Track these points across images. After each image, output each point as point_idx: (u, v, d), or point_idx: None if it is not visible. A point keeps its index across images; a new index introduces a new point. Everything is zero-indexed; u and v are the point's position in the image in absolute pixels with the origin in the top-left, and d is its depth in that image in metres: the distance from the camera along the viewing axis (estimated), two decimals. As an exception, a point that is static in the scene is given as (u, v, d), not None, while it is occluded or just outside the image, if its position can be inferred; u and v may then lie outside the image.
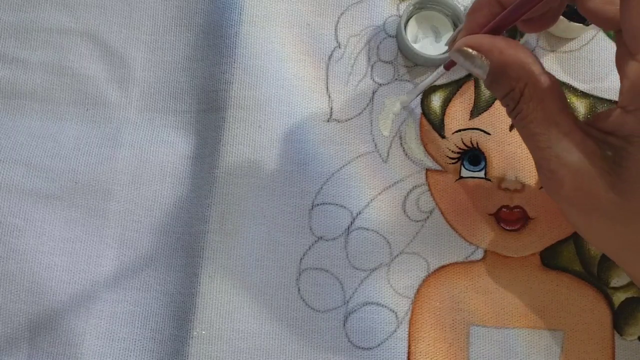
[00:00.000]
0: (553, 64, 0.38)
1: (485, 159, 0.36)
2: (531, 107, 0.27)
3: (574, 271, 0.35)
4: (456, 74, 0.37)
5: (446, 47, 0.37)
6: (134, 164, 0.37)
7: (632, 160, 0.25)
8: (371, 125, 0.37)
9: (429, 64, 0.37)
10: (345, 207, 0.36)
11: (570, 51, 0.38)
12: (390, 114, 0.37)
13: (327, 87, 0.38)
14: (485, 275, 0.35)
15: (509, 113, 0.28)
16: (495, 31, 0.28)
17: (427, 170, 0.36)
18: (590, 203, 0.27)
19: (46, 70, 0.38)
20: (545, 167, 0.27)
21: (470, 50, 0.28)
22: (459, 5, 0.37)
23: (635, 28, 0.25)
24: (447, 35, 0.37)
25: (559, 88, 0.27)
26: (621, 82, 0.26)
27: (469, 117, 0.37)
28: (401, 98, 0.37)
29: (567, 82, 0.37)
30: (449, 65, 0.32)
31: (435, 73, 0.33)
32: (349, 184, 0.36)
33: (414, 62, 0.38)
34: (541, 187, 0.36)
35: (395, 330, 0.34)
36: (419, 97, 0.37)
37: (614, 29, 0.28)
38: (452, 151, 0.36)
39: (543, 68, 0.27)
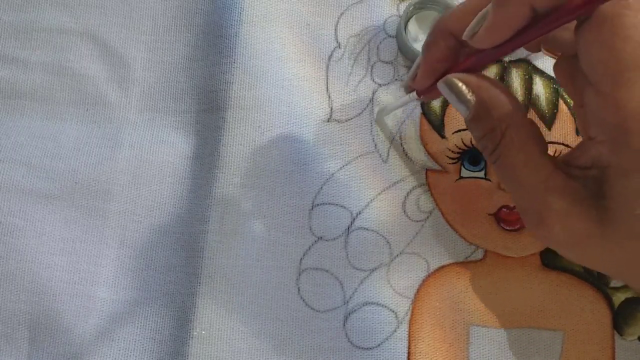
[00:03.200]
0: (549, 68, 0.38)
1: (485, 159, 0.36)
2: (513, 151, 0.27)
3: (574, 271, 0.35)
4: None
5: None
6: (134, 164, 0.37)
7: (613, 190, 0.25)
8: (371, 125, 0.37)
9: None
10: (345, 207, 0.36)
11: None
12: (390, 114, 0.37)
13: (327, 87, 0.38)
14: (485, 275, 0.35)
15: (487, 156, 0.28)
16: (470, 70, 0.28)
17: (427, 170, 0.36)
18: (580, 240, 0.27)
19: (46, 70, 0.38)
20: (530, 214, 0.28)
21: (460, 84, 0.28)
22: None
23: (592, 58, 0.24)
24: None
25: (540, 132, 0.28)
26: (583, 111, 0.26)
27: (469, 117, 0.37)
28: (378, 114, 0.37)
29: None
30: (422, 92, 0.32)
31: (406, 97, 0.33)
32: (349, 184, 0.36)
33: (413, 62, 0.38)
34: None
35: (395, 330, 0.34)
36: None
37: (571, 54, 0.28)
38: (452, 151, 0.36)
39: (525, 113, 0.27)
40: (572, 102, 0.37)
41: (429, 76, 0.30)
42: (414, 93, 0.32)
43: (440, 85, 0.29)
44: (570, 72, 0.29)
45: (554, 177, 0.27)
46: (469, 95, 0.28)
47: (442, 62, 0.29)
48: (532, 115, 0.37)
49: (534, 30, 0.25)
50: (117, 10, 0.39)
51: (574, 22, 0.25)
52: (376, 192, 0.36)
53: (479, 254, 0.35)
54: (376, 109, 0.37)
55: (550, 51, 0.31)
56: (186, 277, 0.35)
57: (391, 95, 0.37)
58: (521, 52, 0.38)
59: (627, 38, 0.23)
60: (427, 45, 0.30)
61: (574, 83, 0.29)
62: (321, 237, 0.35)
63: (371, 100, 0.37)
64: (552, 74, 0.37)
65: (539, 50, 0.32)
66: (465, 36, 0.27)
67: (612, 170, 0.25)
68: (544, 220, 0.27)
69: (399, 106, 0.35)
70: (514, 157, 0.27)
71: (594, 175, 0.26)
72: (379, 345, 0.34)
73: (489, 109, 0.27)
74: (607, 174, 0.25)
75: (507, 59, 0.38)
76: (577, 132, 0.37)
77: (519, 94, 0.37)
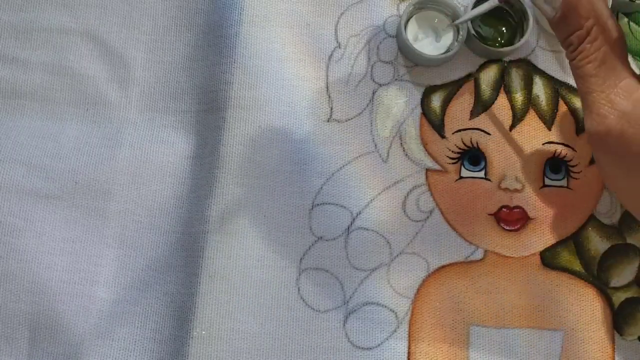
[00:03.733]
0: (553, 64, 0.38)
1: (485, 159, 0.36)
2: (594, 47, 0.27)
3: (574, 271, 0.35)
4: (456, 73, 0.37)
5: (446, 47, 0.37)
6: (134, 164, 0.37)
7: None
8: (371, 125, 0.37)
9: (429, 63, 0.37)
10: (345, 207, 0.36)
11: None
12: (390, 114, 0.37)
13: (327, 87, 0.38)
14: (485, 275, 0.35)
15: (570, 52, 0.29)
16: None
17: (427, 170, 0.36)
18: (633, 152, 0.27)
19: (46, 70, 0.38)
20: (595, 111, 0.28)
21: None
22: (459, 5, 0.37)
23: None
24: (448, 35, 0.37)
25: (623, 34, 0.28)
26: None
27: (469, 117, 0.37)
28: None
29: (567, 82, 0.37)
30: None
31: (487, 3, 0.33)
32: (349, 184, 0.36)
33: (414, 62, 0.38)
34: (544, 187, 0.36)
35: (395, 330, 0.34)
36: (419, 95, 0.37)
37: None
38: (452, 151, 0.36)
39: (612, 13, 0.28)
40: (572, 103, 0.37)
41: None
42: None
43: None
44: None
45: (626, 82, 0.27)
46: None
47: None
48: (532, 115, 0.37)
49: None
50: (117, 10, 0.39)
51: None
52: (376, 192, 0.36)
53: (479, 254, 0.35)
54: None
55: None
56: (186, 277, 0.35)
57: (391, 95, 0.37)
58: (521, 52, 0.38)
59: None
60: None
61: None
62: (321, 237, 0.35)
63: (371, 100, 0.37)
64: (552, 74, 0.38)
65: None
66: None
67: None
68: (605, 119, 0.27)
69: (482, 12, 0.35)
70: (594, 54, 0.27)
71: None
72: (379, 345, 0.34)
73: (576, 7, 0.27)
74: None
75: (507, 59, 0.38)
76: (578, 132, 0.37)
77: (518, 94, 0.37)
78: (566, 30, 0.28)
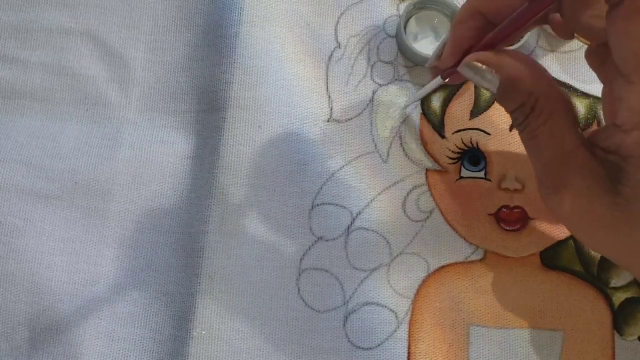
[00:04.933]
0: (553, 64, 0.38)
1: (485, 159, 0.36)
2: (539, 121, 0.27)
3: (574, 271, 0.35)
4: (456, 74, 0.38)
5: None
6: (134, 164, 0.37)
7: (632, 179, 0.25)
8: (371, 125, 0.37)
9: (429, 64, 0.38)
10: (345, 207, 0.36)
11: (571, 51, 0.38)
12: (389, 117, 0.37)
13: (327, 87, 0.38)
14: (485, 275, 0.35)
15: (517, 126, 0.28)
16: (490, 46, 0.28)
17: (427, 170, 0.36)
18: (591, 220, 0.27)
19: (46, 70, 0.38)
20: (546, 184, 0.28)
21: (480, 65, 0.27)
22: (459, 6, 0.37)
23: (623, 48, 0.24)
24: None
25: (569, 104, 0.27)
26: (612, 97, 0.26)
27: (469, 117, 0.37)
28: (396, 105, 0.37)
29: (567, 82, 0.37)
30: (447, 74, 0.32)
31: (432, 82, 0.33)
32: (349, 184, 0.36)
33: (414, 62, 0.38)
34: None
35: (395, 331, 0.34)
36: (417, 101, 0.37)
37: (602, 42, 0.28)
38: (452, 151, 0.36)
39: (554, 82, 0.27)
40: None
41: (456, 54, 0.30)
42: (439, 78, 0.32)
43: (462, 68, 0.28)
44: (602, 59, 0.29)
45: (576, 153, 0.27)
46: (492, 75, 0.27)
47: (469, 41, 0.29)
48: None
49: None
50: (117, 10, 0.39)
51: (604, 11, 0.25)
52: (376, 192, 0.36)
53: (479, 254, 0.35)
54: (384, 102, 0.37)
55: (583, 38, 0.30)
56: (186, 277, 0.35)
57: (391, 95, 0.37)
58: (524, 51, 0.38)
59: None
60: (455, 24, 0.29)
61: (605, 70, 0.28)
62: (321, 237, 0.35)
63: (371, 100, 0.37)
64: (552, 74, 0.37)
65: (572, 37, 0.31)
66: None
67: (634, 160, 0.25)
68: (557, 193, 0.27)
69: (426, 93, 0.35)
70: (540, 128, 0.27)
71: (614, 161, 0.26)
72: (379, 345, 0.34)
73: (514, 85, 0.27)
74: (628, 163, 0.25)
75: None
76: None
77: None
78: (510, 106, 0.28)
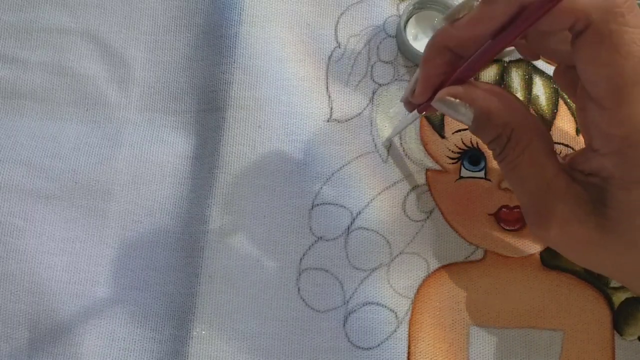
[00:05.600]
0: (553, 64, 0.38)
1: (485, 159, 0.36)
2: (517, 151, 0.27)
3: (574, 271, 0.35)
4: (456, 74, 0.37)
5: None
6: (134, 164, 0.37)
7: (615, 200, 0.25)
8: (371, 125, 0.37)
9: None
10: (345, 207, 0.36)
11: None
12: (389, 117, 0.37)
13: (327, 87, 0.38)
14: (485, 275, 0.35)
15: (495, 157, 0.29)
16: (460, 80, 0.28)
17: (427, 170, 0.36)
18: (579, 245, 0.27)
19: (46, 70, 0.38)
20: (531, 212, 0.28)
21: (453, 100, 0.28)
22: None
23: (592, 74, 0.24)
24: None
25: (546, 132, 0.28)
26: (584, 115, 0.26)
27: (469, 117, 0.37)
28: (383, 135, 0.37)
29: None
30: (423, 109, 0.31)
31: (409, 116, 0.33)
32: (349, 184, 0.36)
33: (414, 62, 0.38)
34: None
35: (395, 330, 0.34)
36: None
37: (569, 64, 0.28)
38: (452, 151, 0.36)
39: (529, 112, 0.27)
40: (572, 103, 0.37)
41: (428, 90, 0.30)
42: (416, 112, 0.32)
43: (436, 103, 0.28)
44: (570, 80, 0.29)
45: (557, 179, 0.27)
46: (465, 109, 0.28)
47: (441, 76, 0.29)
48: (532, 115, 0.37)
49: (515, 27, 0.25)
50: (117, 10, 0.39)
51: (569, 36, 0.25)
52: (376, 192, 0.36)
53: (479, 254, 0.35)
54: (387, 133, 0.36)
55: (549, 60, 0.31)
56: (186, 277, 0.35)
57: (391, 95, 0.37)
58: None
59: (629, 55, 0.23)
60: (424, 61, 0.29)
61: (574, 90, 0.29)
62: (321, 237, 0.35)
63: (371, 100, 0.37)
64: (552, 74, 0.37)
65: (538, 58, 0.32)
66: (445, 18, 0.27)
67: (615, 181, 0.25)
68: (544, 222, 0.27)
69: (404, 127, 0.35)
70: (519, 158, 0.27)
71: (596, 183, 0.26)
72: (379, 345, 0.34)
73: (488, 118, 0.27)
74: (609, 184, 0.26)
75: (507, 59, 0.38)
76: (578, 132, 0.37)
77: (519, 94, 0.37)
78: (485, 138, 0.28)
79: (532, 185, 0.27)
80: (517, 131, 0.27)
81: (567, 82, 0.29)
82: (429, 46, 0.29)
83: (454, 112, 0.28)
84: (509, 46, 0.27)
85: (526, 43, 0.30)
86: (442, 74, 0.29)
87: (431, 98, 0.29)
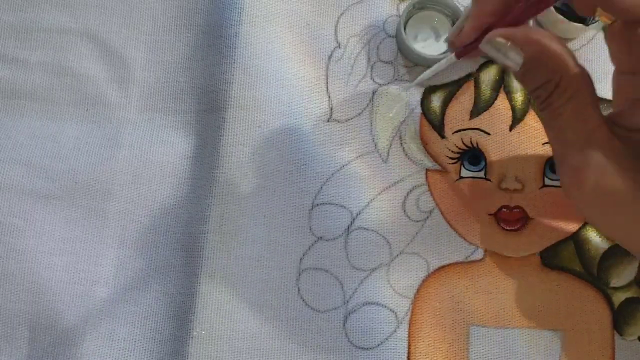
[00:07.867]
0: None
1: (485, 159, 0.36)
2: (563, 99, 0.26)
3: (574, 271, 0.35)
4: (456, 73, 0.37)
5: (446, 47, 0.37)
6: (134, 164, 0.37)
7: None
8: (371, 125, 0.37)
9: (429, 63, 0.37)
10: (345, 207, 0.36)
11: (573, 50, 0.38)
12: (389, 117, 0.37)
13: (327, 87, 0.38)
14: (485, 275, 0.35)
15: (539, 105, 0.28)
16: (515, 23, 0.27)
17: (427, 170, 0.36)
18: (611, 201, 0.26)
19: (46, 70, 0.38)
20: (567, 163, 0.27)
21: (504, 41, 0.27)
22: (459, 5, 0.37)
23: None
24: (447, 35, 0.37)
25: (592, 83, 0.27)
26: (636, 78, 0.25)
27: (468, 117, 0.37)
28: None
29: None
30: (466, 51, 0.30)
31: (443, 61, 0.32)
32: (349, 184, 0.36)
33: (413, 62, 0.38)
34: (544, 187, 0.36)
35: (395, 330, 0.34)
36: (419, 95, 0.37)
37: (632, 19, 0.27)
38: (452, 151, 0.36)
39: (577, 61, 0.27)
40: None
41: (477, 30, 0.29)
42: (453, 56, 0.31)
43: (485, 45, 0.27)
44: (627, 38, 0.27)
45: (599, 131, 0.26)
46: (515, 53, 0.27)
47: (493, 15, 0.28)
48: (532, 115, 0.37)
49: None
50: (117, 10, 0.39)
51: None
52: (376, 192, 0.36)
53: (479, 254, 0.35)
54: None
55: (607, 16, 0.30)
56: (186, 277, 0.35)
57: (391, 95, 0.37)
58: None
59: None
60: None
61: (630, 49, 0.27)
62: (321, 237, 0.35)
63: (371, 100, 0.37)
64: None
65: (594, 14, 0.30)
66: None
67: None
68: (579, 174, 0.26)
69: (438, 70, 0.33)
70: (564, 107, 0.26)
71: (637, 138, 0.26)
72: (379, 345, 0.34)
73: (541, 61, 0.26)
74: None
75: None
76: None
77: (519, 93, 0.37)
78: (532, 83, 0.27)
79: (572, 135, 0.26)
80: (565, 78, 0.26)
81: (622, 39, 0.28)
82: None
83: (503, 55, 0.27)
84: None
85: None
86: (495, 14, 0.28)
87: (478, 40, 0.28)
